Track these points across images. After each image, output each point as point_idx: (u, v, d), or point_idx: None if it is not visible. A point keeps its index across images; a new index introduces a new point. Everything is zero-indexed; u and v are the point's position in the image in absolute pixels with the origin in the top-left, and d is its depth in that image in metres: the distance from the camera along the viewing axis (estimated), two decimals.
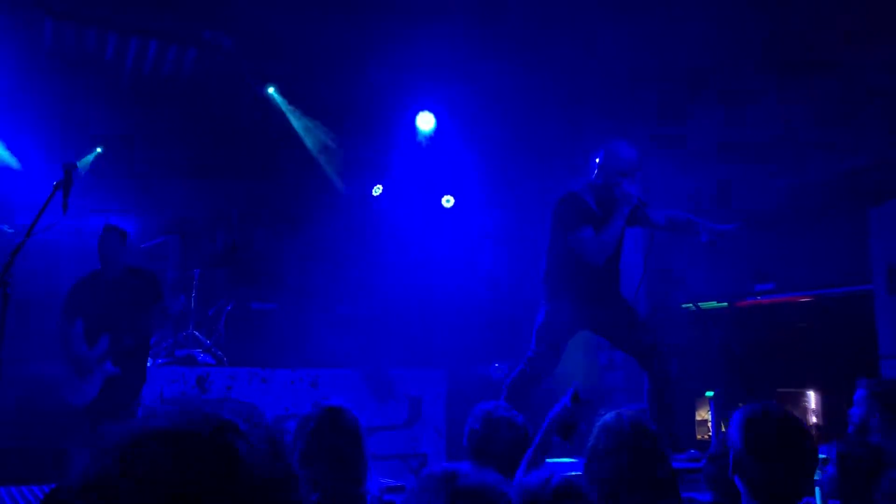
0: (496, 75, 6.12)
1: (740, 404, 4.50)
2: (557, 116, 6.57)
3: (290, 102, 6.27)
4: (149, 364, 4.93)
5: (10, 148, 5.93)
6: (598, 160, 4.03)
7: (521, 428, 2.74)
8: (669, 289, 6.33)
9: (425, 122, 6.61)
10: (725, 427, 2.24)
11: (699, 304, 6.20)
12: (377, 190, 7.24)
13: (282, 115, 6.32)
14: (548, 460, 2.74)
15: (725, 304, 6.25)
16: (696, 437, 6.29)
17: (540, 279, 4.21)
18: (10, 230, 5.07)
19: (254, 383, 5.50)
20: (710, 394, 5.37)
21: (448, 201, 7.56)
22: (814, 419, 5.34)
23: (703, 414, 6.62)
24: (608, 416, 2.25)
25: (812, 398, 5.40)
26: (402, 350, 6.53)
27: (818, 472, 2.00)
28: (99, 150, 6.01)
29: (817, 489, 2.47)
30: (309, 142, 6.60)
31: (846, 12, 4.83)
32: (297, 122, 6.42)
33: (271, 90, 6.00)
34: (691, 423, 6.62)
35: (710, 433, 5.44)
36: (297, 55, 5.61)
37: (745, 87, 5.96)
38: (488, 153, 7.01)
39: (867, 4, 4.78)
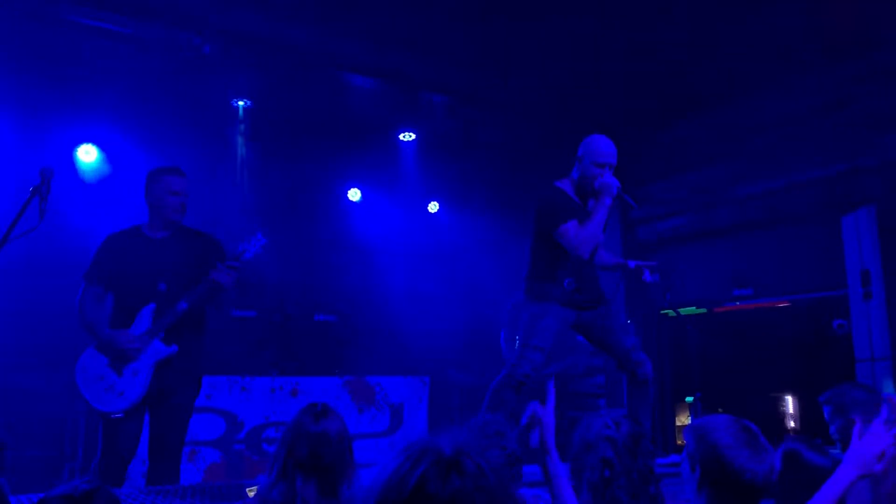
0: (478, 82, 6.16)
1: (720, 409, 4.57)
2: (544, 124, 6.63)
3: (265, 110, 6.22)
4: None
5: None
6: (577, 155, 4.06)
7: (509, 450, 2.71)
8: (648, 295, 6.38)
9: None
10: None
11: (678, 309, 6.26)
12: (355, 194, 7.21)
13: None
14: (532, 465, 2.74)
15: (704, 309, 6.33)
16: (676, 441, 6.35)
17: (522, 280, 4.22)
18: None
19: (234, 392, 5.45)
20: (689, 399, 5.42)
21: (433, 207, 7.56)
22: (791, 423, 5.41)
23: (684, 419, 6.68)
24: (589, 416, 2.27)
25: (790, 402, 5.47)
26: (384, 358, 6.52)
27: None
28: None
29: None
30: None
31: (821, 26, 4.93)
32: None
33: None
34: (671, 427, 6.68)
35: None
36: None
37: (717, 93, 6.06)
38: (473, 159, 7.03)
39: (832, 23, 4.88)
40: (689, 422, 5.64)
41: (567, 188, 4.06)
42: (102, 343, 3.43)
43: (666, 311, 6.50)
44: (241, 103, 5.70)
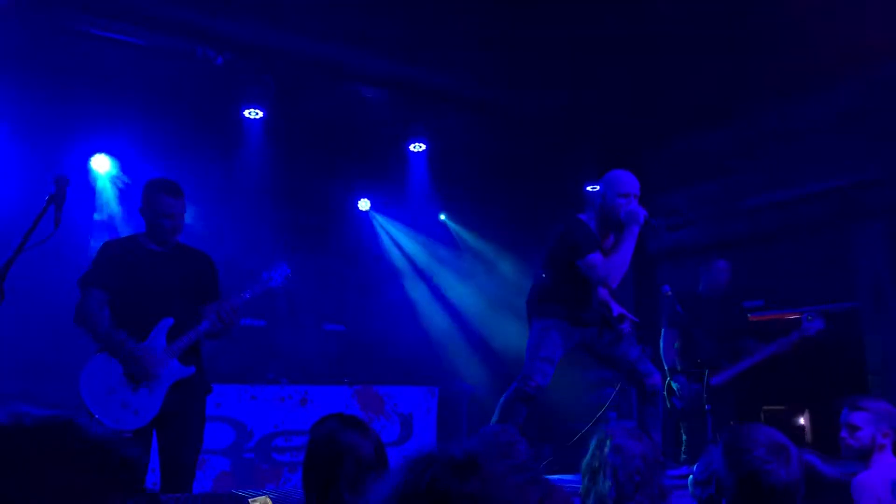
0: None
1: (730, 422, 4.54)
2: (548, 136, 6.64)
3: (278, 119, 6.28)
4: None
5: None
6: (598, 190, 4.11)
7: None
8: (659, 306, 6.36)
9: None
10: (715, 444, 2.26)
11: None
12: (365, 204, 7.24)
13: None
14: (548, 476, 2.74)
15: None
16: (683, 453, 6.29)
17: (527, 300, 4.24)
18: None
19: (243, 400, 5.46)
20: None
21: (443, 217, 7.59)
22: (805, 436, 5.36)
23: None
24: (602, 429, 2.27)
25: (802, 415, 5.43)
26: (393, 367, 6.52)
27: None
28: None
29: None
30: None
31: (834, 38, 4.93)
32: None
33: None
34: (679, 440, 6.63)
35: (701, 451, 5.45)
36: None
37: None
38: (483, 170, 7.05)
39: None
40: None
41: (591, 221, 4.08)
42: (123, 357, 3.27)
43: None
44: (252, 114, 5.74)
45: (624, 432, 2.21)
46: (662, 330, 5.26)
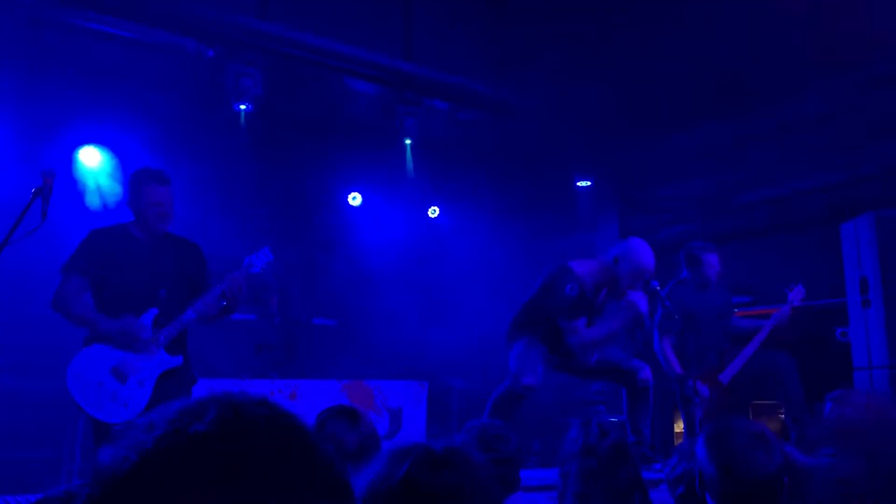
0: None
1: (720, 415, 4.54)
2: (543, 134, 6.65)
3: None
4: None
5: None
6: (616, 254, 3.98)
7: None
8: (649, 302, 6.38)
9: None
10: (690, 440, 2.26)
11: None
12: (355, 199, 7.23)
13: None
14: (525, 470, 2.75)
15: None
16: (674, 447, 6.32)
17: (510, 322, 4.23)
18: None
19: None
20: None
21: (434, 212, 7.58)
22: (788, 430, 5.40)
23: (682, 426, 6.67)
24: (579, 422, 2.28)
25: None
26: (383, 361, 6.52)
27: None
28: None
29: None
30: None
31: (822, 36, 4.95)
32: None
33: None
34: (670, 435, 6.67)
35: None
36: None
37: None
38: (474, 164, 7.05)
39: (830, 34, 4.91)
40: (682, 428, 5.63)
41: (586, 276, 3.96)
42: (104, 333, 3.23)
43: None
44: (243, 107, 5.72)
45: (600, 427, 2.22)
46: (655, 340, 4.94)
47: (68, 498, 1.68)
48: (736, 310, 5.39)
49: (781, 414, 5.31)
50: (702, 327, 4.66)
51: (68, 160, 5.72)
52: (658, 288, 4.59)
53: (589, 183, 7.03)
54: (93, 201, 5.79)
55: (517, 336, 4.10)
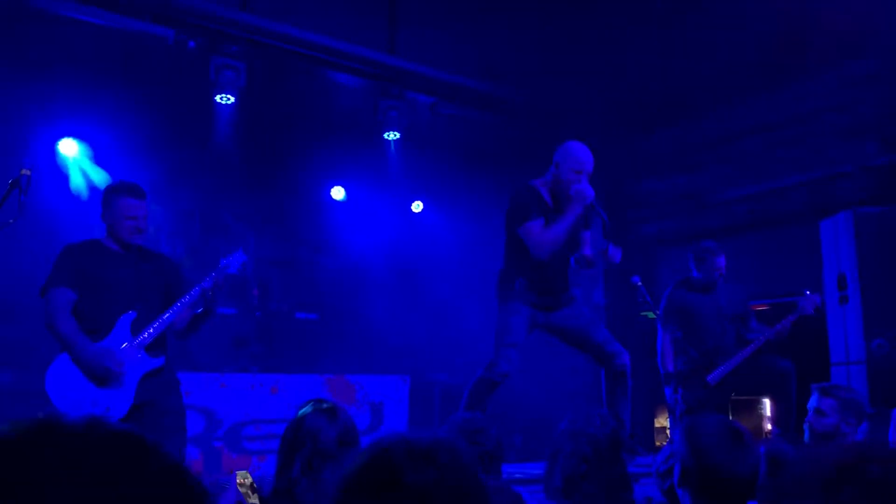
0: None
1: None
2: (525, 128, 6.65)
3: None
4: None
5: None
6: (555, 160, 4.08)
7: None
8: (629, 296, 6.42)
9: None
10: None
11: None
12: (338, 193, 7.19)
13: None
14: (510, 464, 2.75)
15: None
16: (654, 443, 6.39)
17: (495, 281, 4.25)
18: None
19: (213, 389, 5.42)
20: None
21: (417, 207, 7.56)
22: (768, 426, 5.46)
23: (662, 421, 6.73)
24: (569, 417, 2.29)
25: (766, 405, 5.53)
26: (364, 356, 6.51)
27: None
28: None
29: None
30: None
31: (803, 37, 5.00)
32: None
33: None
34: (650, 430, 6.73)
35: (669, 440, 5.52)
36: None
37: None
38: (458, 159, 7.04)
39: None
40: (668, 424, 5.68)
41: (542, 189, 4.07)
42: (83, 362, 3.19)
43: (646, 313, 6.54)
44: (224, 100, 5.66)
45: (601, 416, 2.22)
46: (659, 332, 4.94)
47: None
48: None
49: (764, 408, 5.37)
50: (703, 327, 4.73)
51: (50, 153, 5.64)
52: (639, 283, 4.62)
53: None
54: (78, 187, 5.72)
55: (499, 299, 4.11)
